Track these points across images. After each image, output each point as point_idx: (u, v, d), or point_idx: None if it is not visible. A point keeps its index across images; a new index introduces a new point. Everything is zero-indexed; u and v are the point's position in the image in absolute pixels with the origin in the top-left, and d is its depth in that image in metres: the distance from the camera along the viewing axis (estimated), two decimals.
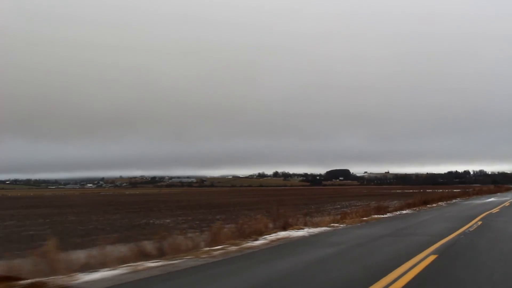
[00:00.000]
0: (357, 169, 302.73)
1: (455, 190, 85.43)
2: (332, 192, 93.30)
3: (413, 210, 25.26)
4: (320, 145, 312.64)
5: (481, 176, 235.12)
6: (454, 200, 36.75)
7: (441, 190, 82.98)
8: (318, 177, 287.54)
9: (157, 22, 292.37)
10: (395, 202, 39.94)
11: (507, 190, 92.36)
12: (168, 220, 28.80)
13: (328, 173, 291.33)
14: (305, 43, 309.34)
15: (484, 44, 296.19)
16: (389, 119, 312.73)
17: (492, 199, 38.99)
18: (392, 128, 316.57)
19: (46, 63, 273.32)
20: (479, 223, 16.00)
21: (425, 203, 31.40)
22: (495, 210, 23.25)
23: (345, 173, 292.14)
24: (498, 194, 60.79)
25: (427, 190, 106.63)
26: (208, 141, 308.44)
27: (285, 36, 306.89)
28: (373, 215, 21.14)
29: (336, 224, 16.13)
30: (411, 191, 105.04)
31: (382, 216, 20.52)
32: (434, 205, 30.70)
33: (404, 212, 23.34)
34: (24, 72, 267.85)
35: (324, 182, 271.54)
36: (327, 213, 28.42)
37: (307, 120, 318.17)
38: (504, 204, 30.12)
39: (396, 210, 23.81)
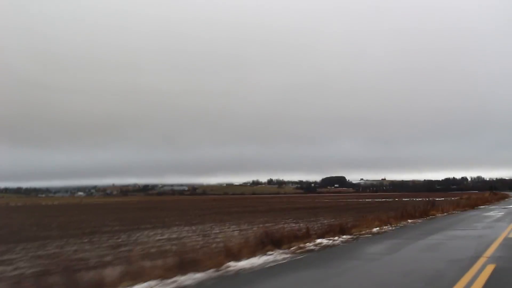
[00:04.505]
0: (354, 176, 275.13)
1: (437, 199, 63.12)
2: (254, 204, 66.04)
3: None
4: (316, 151, 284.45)
5: (479, 183, 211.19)
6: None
7: (420, 199, 58.72)
8: (313, 185, 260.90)
9: (141, 22, 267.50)
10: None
11: (502, 198, 66.57)
12: None
13: (324, 180, 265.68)
14: (299, 41, 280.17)
15: (485, 41, 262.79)
16: (387, 122, 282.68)
17: (457, 230, 12.64)
18: (389, 132, 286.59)
19: (30, 68, 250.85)
20: None
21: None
22: None
23: (341, 180, 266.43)
24: (481, 208, 33.80)
25: (404, 199, 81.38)
26: (202, 147, 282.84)
27: (277, 33, 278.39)
28: None
29: None
30: (384, 200, 79.94)
31: None
32: None
33: None
34: (10, 76, 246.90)
35: (319, 190, 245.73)
36: None
37: (301, 124, 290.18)
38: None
39: None
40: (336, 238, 13.41)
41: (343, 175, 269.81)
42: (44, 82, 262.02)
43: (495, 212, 27.93)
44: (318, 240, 12.74)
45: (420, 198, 69.68)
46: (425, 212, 23.79)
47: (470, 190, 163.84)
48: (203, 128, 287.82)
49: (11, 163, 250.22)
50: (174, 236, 21.89)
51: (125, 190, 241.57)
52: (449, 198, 63.79)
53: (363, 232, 15.14)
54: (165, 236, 21.71)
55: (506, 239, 11.85)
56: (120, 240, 20.27)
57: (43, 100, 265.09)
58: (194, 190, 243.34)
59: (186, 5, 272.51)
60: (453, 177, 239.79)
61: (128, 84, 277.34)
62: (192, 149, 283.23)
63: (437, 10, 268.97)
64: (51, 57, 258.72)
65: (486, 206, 40.58)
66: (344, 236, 13.87)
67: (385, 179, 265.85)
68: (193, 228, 26.26)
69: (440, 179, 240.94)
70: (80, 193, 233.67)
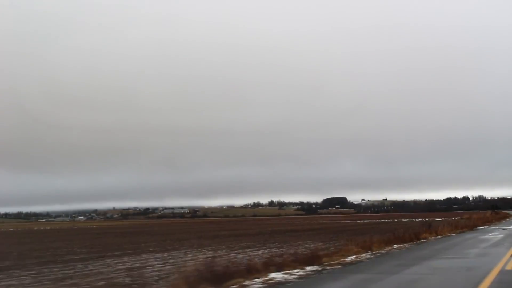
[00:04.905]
0: (355, 197, 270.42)
1: (437, 219, 62.42)
2: (248, 226, 62.78)
3: None
4: (317, 172, 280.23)
5: (481, 202, 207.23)
6: None
7: (420, 219, 56.39)
8: (314, 206, 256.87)
9: (138, 46, 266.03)
10: None
11: (503, 218, 63.74)
12: None
13: (325, 201, 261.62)
14: (299, 62, 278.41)
15: (488, 59, 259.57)
16: (388, 142, 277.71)
17: (445, 259, 10.48)
18: (391, 152, 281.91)
19: (31, 94, 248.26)
20: None
21: None
22: None
23: (342, 201, 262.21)
24: (479, 229, 31.17)
25: (403, 220, 78.41)
26: (202, 169, 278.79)
27: (277, 54, 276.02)
28: None
29: None
30: (383, 220, 76.83)
31: None
32: None
33: None
34: (10, 101, 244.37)
35: (320, 211, 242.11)
36: None
37: (302, 145, 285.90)
38: None
39: None
40: (296, 271, 11.01)
41: (344, 196, 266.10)
42: (43, 109, 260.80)
43: (494, 234, 25.36)
44: (272, 275, 10.35)
45: (420, 218, 66.96)
46: (416, 235, 21.27)
47: (472, 209, 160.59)
48: (204, 151, 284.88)
49: (11, 188, 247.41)
50: (137, 265, 19.55)
51: (125, 214, 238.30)
52: (449, 218, 61.02)
53: (335, 261, 12.71)
54: (127, 265, 19.36)
55: (502, 272, 9.38)
56: (72, 271, 17.85)
57: (41, 127, 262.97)
58: (195, 212, 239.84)
59: (184, 28, 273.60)
60: (455, 197, 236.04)
61: (127, 108, 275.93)
62: (192, 171, 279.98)
63: (438, 29, 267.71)
64: (50, 86, 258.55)
65: (485, 226, 37.93)
66: (308, 268, 11.47)
67: (386, 199, 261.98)
68: (165, 255, 23.85)
69: (442, 199, 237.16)
70: (81, 217, 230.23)
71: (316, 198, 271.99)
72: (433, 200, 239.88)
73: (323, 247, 24.42)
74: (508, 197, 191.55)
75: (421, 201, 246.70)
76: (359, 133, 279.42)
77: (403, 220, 74.49)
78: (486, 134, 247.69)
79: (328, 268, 11.41)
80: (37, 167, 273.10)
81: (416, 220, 65.43)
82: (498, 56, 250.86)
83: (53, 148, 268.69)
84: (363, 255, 14.27)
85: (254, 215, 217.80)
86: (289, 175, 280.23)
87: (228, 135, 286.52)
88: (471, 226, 36.01)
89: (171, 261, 20.65)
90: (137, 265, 19.55)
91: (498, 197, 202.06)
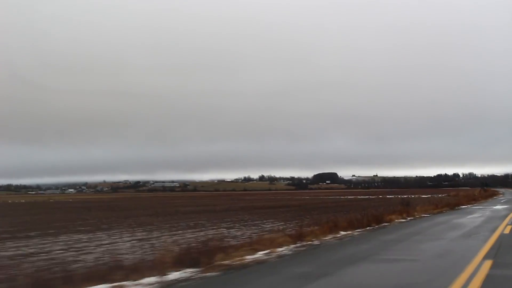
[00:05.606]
0: (346, 172, 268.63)
1: (423, 196, 59.00)
2: (222, 202, 58.48)
3: None
4: (308, 147, 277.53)
5: (471, 179, 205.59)
6: None
7: (406, 196, 52.97)
8: (305, 181, 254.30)
9: (130, 18, 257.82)
10: None
11: (491, 196, 60.40)
12: None
13: (315, 176, 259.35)
14: (291, 37, 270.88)
15: (480, 37, 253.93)
16: (380, 118, 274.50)
17: (382, 262, 7.03)
18: (382, 128, 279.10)
19: (21, 66, 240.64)
20: None
21: None
22: None
23: (333, 177, 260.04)
24: (461, 209, 27.40)
25: (388, 196, 75.05)
26: (193, 143, 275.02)
27: (270, 28, 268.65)
28: None
29: None
30: (368, 197, 73.29)
31: None
32: None
33: None
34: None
35: (310, 186, 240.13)
36: None
37: (294, 120, 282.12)
38: None
39: None
40: (142, 281, 6.83)
41: (335, 172, 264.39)
42: (35, 80, 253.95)
43: (474, 216, 21.42)
44: None
45: (407, 195, 63.55)
46: (377, 218, 17.15)
47: (462, 186, 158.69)
48: (195, 125, 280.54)
49: (1, 160, 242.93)
50: (31, 250, 15.48)
51: (115, 187, 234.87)
52: (436, 195, 57.62)
53: (228, 261, 8.59)
54: (20, 251, 15.47)
55: None
56: None
57: (33, 98, 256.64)
58: (185, 186, 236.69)
59: (177, 0, 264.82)
60: (445, 174, 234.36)
61: (118, 81, 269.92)
62: (183, 145, 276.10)
63: (434, 5, 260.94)
64: (41, 55, 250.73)
65: (469, 205, 34.16)
66: (176, 273, 7.43)
67: (377, 175, 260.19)
68: (84, 237, 19.80)
69: (432, 176, 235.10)
70: (71, 190, 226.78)
71: (307, 173, 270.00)
72: (423, 176, 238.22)
73: (279, 228, 20.72)
74: (498, 174, 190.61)
75: (411, 177, 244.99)
76: (350, 109, 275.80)
77: (388, 196, 70.95)
78: (478, 112, 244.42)
79: (198, 275, 7.27)
80: (28, 139, 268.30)
81: (402, 196, 61.95)
82: (495, 34, 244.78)
83: (45, 121, 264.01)
84: (281, 249, 10.15)
85: (245, 190, 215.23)
86: (280, 150, 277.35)
87: (220, 110, 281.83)
88: (454, 204, 32.26)
89: (80, 245, 16.70)
90: (32, 250, 15.55)
91: (488, 175, 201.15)
